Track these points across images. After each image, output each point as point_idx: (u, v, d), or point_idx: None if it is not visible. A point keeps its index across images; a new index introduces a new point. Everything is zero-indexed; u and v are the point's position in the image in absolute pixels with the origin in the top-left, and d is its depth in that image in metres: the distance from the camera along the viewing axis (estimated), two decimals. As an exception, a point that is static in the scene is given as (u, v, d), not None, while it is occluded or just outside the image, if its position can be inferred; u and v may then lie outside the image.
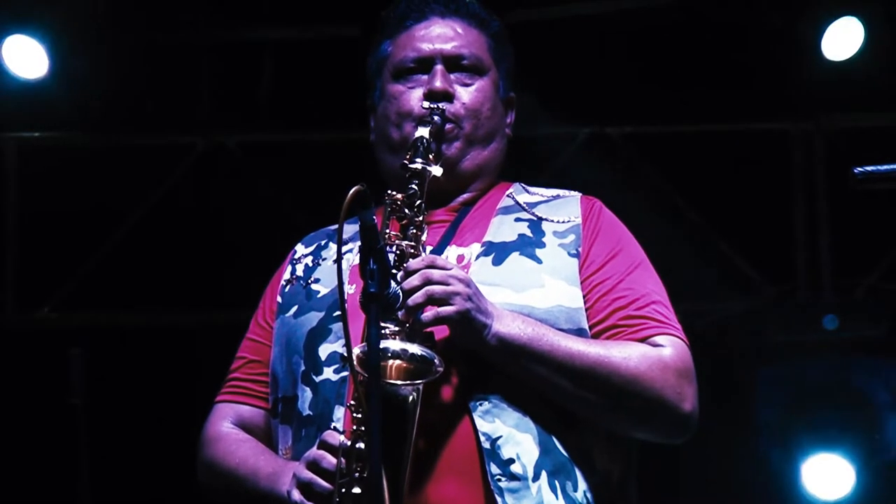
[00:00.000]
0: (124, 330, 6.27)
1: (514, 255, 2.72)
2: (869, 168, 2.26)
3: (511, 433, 2.58)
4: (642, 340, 2.67)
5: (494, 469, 2.55)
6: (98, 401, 5.23)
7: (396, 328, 2.51)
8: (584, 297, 2.70)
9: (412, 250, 2.64)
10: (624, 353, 2.62)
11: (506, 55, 2.97)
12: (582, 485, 2.62)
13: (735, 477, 6.23)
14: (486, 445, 2.56)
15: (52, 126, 6.10)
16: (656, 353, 2.65)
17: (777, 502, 6.18)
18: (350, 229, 2.71)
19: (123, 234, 6.19)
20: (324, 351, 2.69)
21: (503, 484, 2.55)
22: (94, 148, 6.12)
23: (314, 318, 2.74)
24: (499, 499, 2.54)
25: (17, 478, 6.14)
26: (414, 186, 2.69)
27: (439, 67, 2.86)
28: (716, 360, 5.79)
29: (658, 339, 2.67)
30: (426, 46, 2.89)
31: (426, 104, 2.82)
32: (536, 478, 2.57)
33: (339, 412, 2.60)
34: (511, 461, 2.56)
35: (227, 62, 6.00)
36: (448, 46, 2.88)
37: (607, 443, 2.69)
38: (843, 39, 5.70)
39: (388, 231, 2.66)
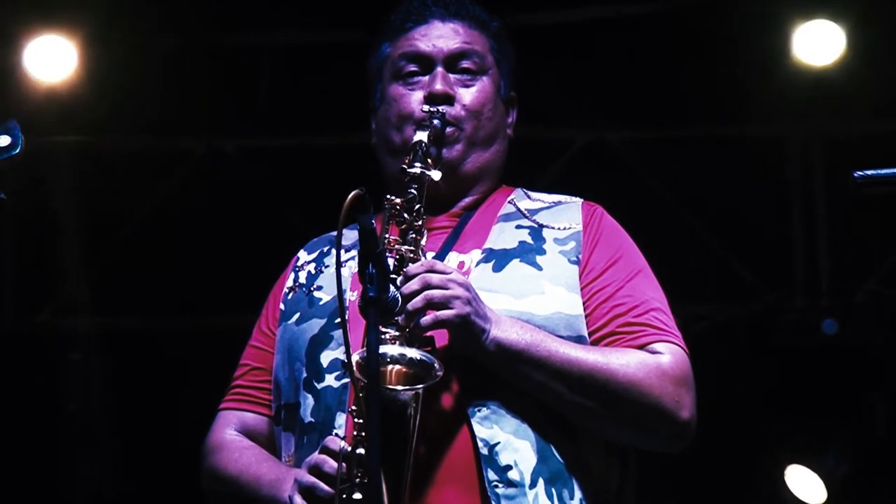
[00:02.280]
0: (123, 335, 6.26)
1: (515, 262, 2.71)
2: (869, 172, 2.26)
3: (509, 440, 2.57)
4: (641, 347, 2.66)
5: (492, 475, 2.54)
6: (96, 406, 5.23)
7: (396, 333, 2.51)
8: (583, 303, 2.69)
9: (412, 255, 2.63)
10: (622, 360, 2.62)
11: (507, 55, 2.96)
12: (578, 493, 2.62)
13: (736, 483, 6.23)
14: (484, 451, 2.55)
15: (50, 131, 6.09)
16: (654, 360, 2.64)
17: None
18: (353, 236, 2.70)
19: (122, 239, 6.18)
20: (325, 358, 2.68)
21: (500, 490, 2.54)
22: (92, 152, 6.11)
23: (316, 325, 2.74)
24: (495, 505, 2.53)
25: (15, 482, 6.14)
26: (413, 191, 2.68)
27: (440, 70, 2.85)
28: (714, 366, 5.78)
29: (657, 347, 2.67)
30: (426, 47, 2.87)
31: (426, 107, 2.81)
32: (533, 485, 2.56)
33: (341, 419, 2.60)
34: (508, 468, 2.56)
35: (226, 66, 5.99)
36: (448, 47, 2.87)
37: (605, 451, 2.69)
38: (828, 45, 5.70)
39: (387, 236, 2.66)
